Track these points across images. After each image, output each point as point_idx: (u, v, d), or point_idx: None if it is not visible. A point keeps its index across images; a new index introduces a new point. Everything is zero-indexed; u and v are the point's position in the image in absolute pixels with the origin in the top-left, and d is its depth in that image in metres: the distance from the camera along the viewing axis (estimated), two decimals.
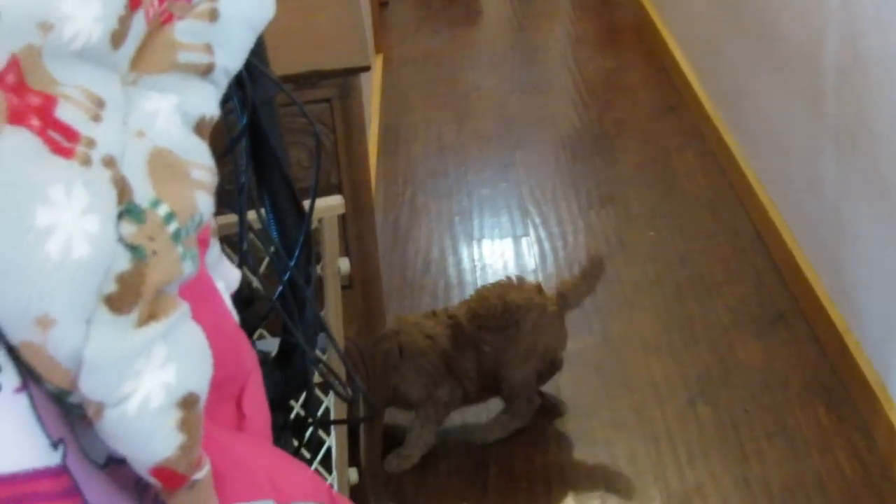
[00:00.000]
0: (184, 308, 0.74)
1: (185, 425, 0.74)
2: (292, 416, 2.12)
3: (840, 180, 2.89)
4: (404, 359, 2.60)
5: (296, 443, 1.86)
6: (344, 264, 1.98)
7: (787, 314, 3.17)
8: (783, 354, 3.01)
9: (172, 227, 0.74)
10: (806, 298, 3.14)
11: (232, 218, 1.53)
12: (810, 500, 2.53)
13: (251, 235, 1.60)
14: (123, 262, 0.69)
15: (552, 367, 2.85)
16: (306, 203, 1.64)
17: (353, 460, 2.51)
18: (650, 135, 4.32)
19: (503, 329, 2.70)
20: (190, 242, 0.76)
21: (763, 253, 3.46)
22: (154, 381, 0.72)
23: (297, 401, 2.15)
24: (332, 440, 2.31)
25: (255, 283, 1.81)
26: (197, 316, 0.76)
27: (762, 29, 3.51)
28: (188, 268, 0.75)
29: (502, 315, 2.70)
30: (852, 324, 2.86)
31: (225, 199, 1.19)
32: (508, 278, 2.85)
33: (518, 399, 2.77)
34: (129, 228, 0.70)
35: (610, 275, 3.34)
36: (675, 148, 4.19)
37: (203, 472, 0.78)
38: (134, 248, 0.70)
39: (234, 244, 1.53)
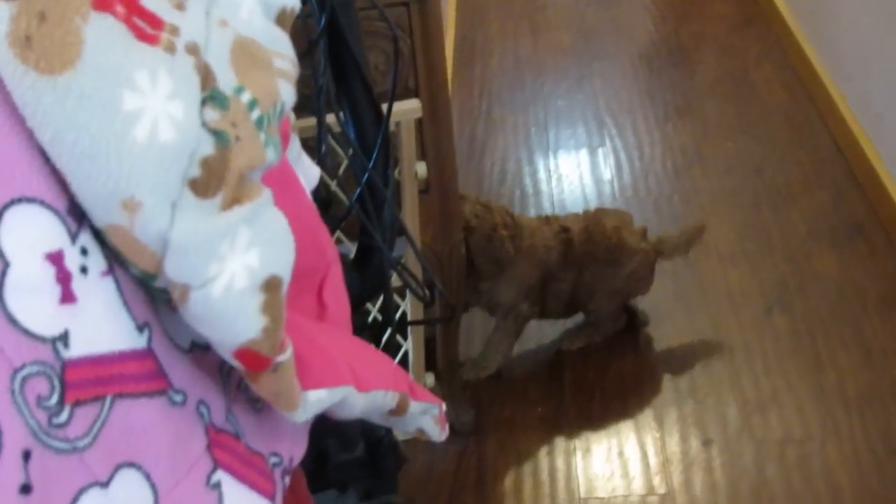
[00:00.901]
0: (267, 194, 0.75)
1: (269, 308, 0.75)
2: (369, 319, 2.14)
3: None
4: (516, 261, 2.59)
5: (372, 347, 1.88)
6: (421, 168, 1.99)
7: (865, 225, 3.15)
8: (860, 265, 2.99)
9: (255, 114, 0.75)
10: (885, 210, 3.11)
11: (310, 121, 1.54)
12: (886, 409, 2.53)
13: (329, 139, 1.60)
14: (208, 146, 0.70)
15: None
16: (384, 107, 1.65)
17: (430, 365, 2.53)
18: (728, 47, 4.28)
19: (608, 264, 2.70)
20: (272, 130, 0.77)
21: (841, 165, 3.43)
22: (238, 263, 0.73)
23: (373, 305, 2.17)
24: (409, 344, 2.33)
25: (333, 186, 1.83)
26: (279, 204, 0.77)
27: None
28: (270, 155, 0.76)
29: (613, 250, 2.70)
30: None
31: (303, 103, 1.20)
32: (619, 211, 2.83)
33: (604, 322, 2.79)
34: (212, 114, 0.71)
35: (687, 186, 3.34)
36: (754, 61, 4.16)
37: (286, 356, 0.79)
38: (217, 134, 0.71)
39: (312, 148, 1.54)
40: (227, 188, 0.71)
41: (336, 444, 1.84)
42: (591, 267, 2.69)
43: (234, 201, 0.72)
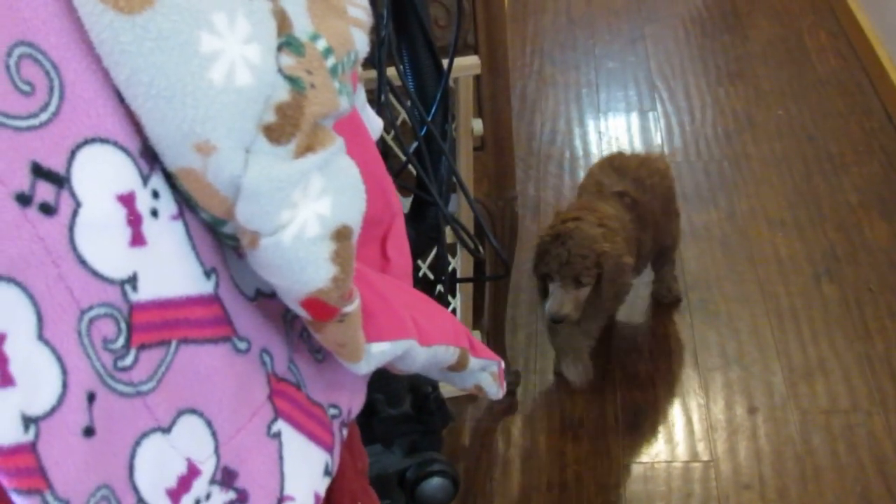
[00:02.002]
0: (339, 142, 0.74)
1: (339, 257, 0.74)
2: (420, 274, 2.14)
3: None
4: (606, 278, 2.46)
5: None
6: (477, 125, 1.98)
7: None
8: None
9: (330, 61, 0.74)
10: None
11: (370, 73, 1.54)
12: None
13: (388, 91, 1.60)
14: (283, 92, 0.70)
15: None
16: (444, 62, 1.64)
17: (477, 323, 2.53)
18: (782, 13, 4.24)
19: (666, 203, 2.70)
20: (345, 79, 0.76)
21: (893, 134, 3.41)
22: (310, 211, 0.72)
23: (424, 261, 2.17)
24: (458, 302, 2.33)
25: (390, 139, 1.82)
26: (349, 152, 0.76)
27: None
28: (344, 103, 0.75)
29: (666, 190, 2.70)
30: None
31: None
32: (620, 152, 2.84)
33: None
34: (288, 60, 0.70)
35: (737, 151, 3.32)
36: (807, 27, 4.12)
37: (353, 306, 0.79)
38: (293, 80, 0.70)
39: (371, 101, 1.54)
40: (301, 135, 0.71)
41: (382, 399, 1.85)
42: (658, 211, 2.67)
43: (307, 148, 0.71)
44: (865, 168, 3.26)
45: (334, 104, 0.74)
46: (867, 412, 2.45)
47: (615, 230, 2.47)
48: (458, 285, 2.33)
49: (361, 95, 1.05)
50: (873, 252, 2.92)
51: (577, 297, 2.45)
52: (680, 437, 2.43)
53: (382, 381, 1.83)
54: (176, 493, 0.72)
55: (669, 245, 2.77)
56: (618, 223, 2.51)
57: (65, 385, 0.62)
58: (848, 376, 2.55)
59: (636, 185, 2.64)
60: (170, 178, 0.70)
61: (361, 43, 0.82)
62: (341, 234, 0.74)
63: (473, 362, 1.03)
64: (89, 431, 0.64)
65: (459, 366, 1.00)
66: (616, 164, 2.71)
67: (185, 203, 0.72)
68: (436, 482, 1.91)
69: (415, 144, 1.59)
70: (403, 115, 1.79)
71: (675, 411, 2.50)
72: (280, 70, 0.70)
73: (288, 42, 0.71)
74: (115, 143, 0.66)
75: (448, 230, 1.84)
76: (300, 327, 0.86)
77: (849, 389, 2.51)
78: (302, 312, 0.77)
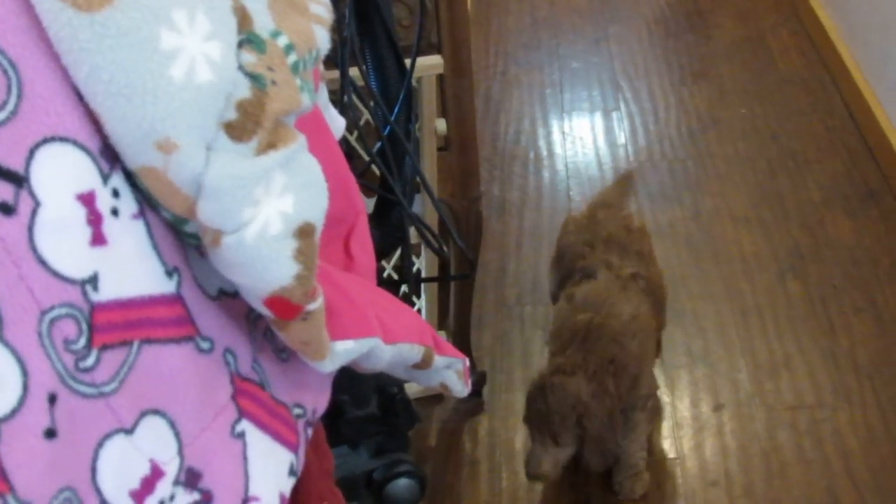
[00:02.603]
0: (301, 139, 0.74)
1: (302, 255, 0.74)
2: (385, 275, 2.13)
3: None
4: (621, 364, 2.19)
5: None
6: (441, 125, 1.98)
7: (878, 193, 3.14)
8: (873, 232, 2.99)
9: (292, 58, 0.74)
10: None
11: (333, 74, 1.53)
12: None
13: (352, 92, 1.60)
14: (244, 89, 0.69)
15: None
16: (407, 61, 1.64)
17: (442, 324, 2.53)
18: (745, 13, 4.26)
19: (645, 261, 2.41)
20: (307, 76, 0.76)
21: (855, 132, 3.42)
22: (272, 209, 0.72)
23: (388, 261, 2.16)
24: (423, 302, 2.33)
25: (353, 139, 1.82)
26: (312, 150, 0.76)
27: None
28: (306, 100, 0.75)
29: (651, 250, 2.46)
30: None
31: (327, 55, 1.19)
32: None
33: None
34: (249, 57, 0.70)
35: (701, 150, 3.33)
36: (770, 26, 4.14)
37: (317, 304, 0.79)
38: (254, 77, 0.70)
39: (334, 102, 1.53)
40: (263, 132, 0.71)
41: (349, 400, 1.84)
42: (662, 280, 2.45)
43: (269, 146, 0.71)
44: (828, 166, 3.28)
45: (296, 101, 0.74)
46: (832, 407, 2.46)
47: (608, 377, 2.15)
48: (423, 286, 2.33)
49: (324, 95, 1.05)
50: (837, 249, 2.93)
51: (556, 456, 2.18)
52: None
53: (348, 382, 1.82)
54: (140, 495, 0.72)
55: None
56: (625, 352, 2.18)
57: (26, 387, 0.62)
58: (813, 372, 2.56)
59: (639, 259, 2.37)
60: (130, 177, 0.70)
61: (323, 40, 0.82)
62: (304, 232, 0.74)
63: (438, 360, 1.03)
64: (51, 433, 0.64)
65: (424, 364, 1.00)
66: (602, 232, 2.39)
67: (147, 202, 0.72)
68: (403, 483, 1.91)
69: (378, 144, 1.58)
70: (367, 115, 1.79)
71: None
72: (241, 67, 0.70)
73: (249, 39, 0.71)
74: (75, 142, 0.66)
75: (412, 230, 1.84)
76: (264, 326, 0.86)
77: (814, 385, 2.52)
78: (265, 311, 0.77)
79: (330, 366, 0.85)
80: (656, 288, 2.37)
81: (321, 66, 0.86)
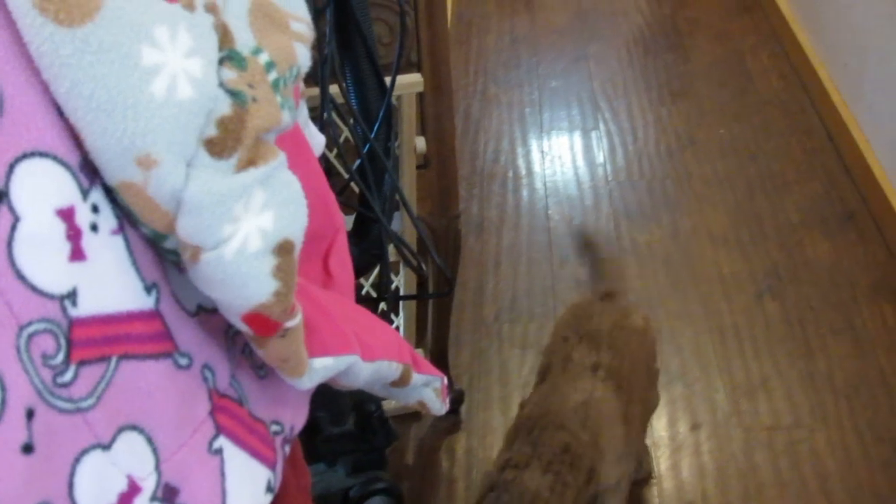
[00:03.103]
0: (282, 156, 0.74)
1: (281, 272, 0.74)
2: (363, 293, 2.13)
3: None
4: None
5: None
6: (420, 143, 1.98)
7: (856, 214, 3.15)
8: (851, 254, 3.00)
9: (272, 75, 0.74)
10: (876, 199, 3.12)
11: (313, 91, 1.54)
12: (874, 397, 2.53)
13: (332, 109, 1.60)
14: (224, 106, 0.69)
15: None
16: (387, 80, 1.64)
17: (420, 342, 2.53)
18: (724, 34, 4.28)
19: (649, 363, 2.24)
20: (288, 93, 0.76)
21: (834, 154, 3.44)
22: (252, 225, 0.72)
23: (366, 279, 2.16)
24: (401, 320, 2.33)
25: (332, 157, 1.82)
26: (292, 167, 0.76)
27: None
28: (286, 117, 0.75)
29: (647, 355, 2.24)
30: None
31: (307, 72, 1.19)
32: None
33: None
34: (230, 74, 0.70)
35: (680, 170, 3.34)
36: (749, 48, 4.16)
37: (296, 321, 0.79)
38: (235, 94, 0.70)
39: (314, 119, 1.53)
40: (243, 149, 0.71)
41: (326, 417, 1.84)
42: (642, 376, 2.19)
43: (249, 162, 0.71)
44: (807, 187, 3.29)
45: (276, 118, 0.74)
46: (809, 428, 2.47)
47: (564, 468, 1.87)
48: (401, 304, 2.33)
49: (304, 111, 1.05)
50: (815, 270, 2.94)
51: None
52: None
53: (326, 399, 1.82)
54: None
55: (652, 409, 2.32)
56: (576, 441, 1.92)
57: (3, 401, 0.62)
58: (790, 393, 2.56)
59: (612, 353, 2.09)
60: (110, 193, 0.70)
61: (304, 58, 0.82)
62: (283, 249, 0.74)
63: (417, 378, 1.03)
64: (28, 448, 0.64)
65: (403, 381, 1.01)
66: (585, 327, 2.15)
67: (126, 217, 0.72)
68: (379, 501, 1.91)
69: (358, 162, 1.58)
70: (346, 132, 1.79)
71: None
72: (222, 84, 0.70)
73: (230, 56, 0.71)
74: (55, 157, 0.66)
75: (391, 248, 1.84)
76: (242, 343, 0.86)
77: (791, 406, 2.53)
78: (244, 328, 0.77)
79: (308, 383, 0.85)
80: (623, 376, 2.08)
81: (301, 84, 0.87)
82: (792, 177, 3.34)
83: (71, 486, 0.68)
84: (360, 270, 1.82)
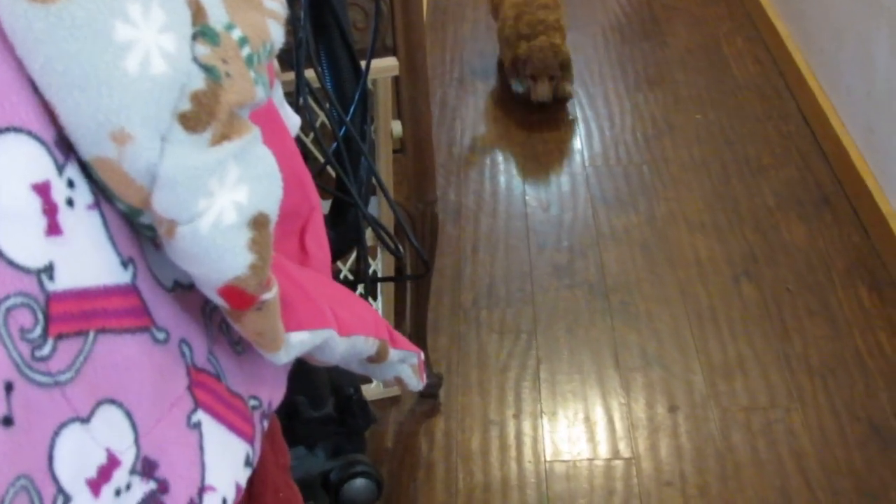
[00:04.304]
0: (256, 131, 0.75)
1: (256, 245, 0.75)
2: (341, 277, 2.14)
3: (893, 64, 2.87)
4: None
5: None
6: (396, 127, 1.99)
7: (831, 197, 3.17)
8: (827, 237, 3.01)
9: (246, 51, 0.75)
10: (851, 182, 3.13)
11: (289, 76, 1.54)
12: (850, 378, 2.55)
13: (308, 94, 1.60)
14: (198, 81, 0.70)
15: None
16: (362, 64, 1.65)
17: (399, 327, 2.54)
18: (700, 20, 4.29)
19: None
20: (261, 69, 0.77)
21: (809, 138, 3.45)
22: (226, 199, 0.72)
23: (343, 263, 2.17)
24: (379, 304, 2.34)
25: (308, 141, 1.82)
26: (266, 143, 0.77)
27: None
28: (260, 93, 0.76)
29: None
30: None
31: (282, 57, 1.19)
32: None
33: None
34: (203, 49, 0.71)
35: (656, 155, 3.36)
36: (725, 34, 4.17)
37: (272, 294, 0.79)
38: (208, 69, 0.71)
39: (290, 104, 1.54)
40: (217, 124, 0.71)
41: (305, 401, 1.85)
42: None
43: (223, 137, 0.72)
44: (783, 171, 3.30)
45: (250, 93, 0.74)
46: (786, 408, 2.48)
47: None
48: (379, 288, 2.34)
49: (279, 92, 1.06)
50: (791, 253, 2.96)
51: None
52: (602, 435, 2.45)
53: (305, 382, 1.83)
54: (96, 484, 0.72)
55: None
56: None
57: None
58: (766, 374, 2.58)
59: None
60: (86, 168, 0.70)
61: (277, 34, 0.83)
62: (258, 222, 0.75)
63: (393, 353, 1.04)
64: (7, 421, 0.64)
65: (379, 357, 1.01)
66: None
67: (102, 193, 0.72)
68: (359, 484, 1.91)
69: (334, 145, 1.59)
70: (322, 117, 1.80)
71: (597, 411, 2.52)
72: (195, 59, 0.71)
73: (203, 31, 0.72)
74: (30, 133, 0.66)
75: (368, 232, 1.85)
76: (219, 319, 0.86)
77: (767, 387, 2.54)
78: (220, 301, 0.78)
79: (284, 357, 0.86)
80: None
81: (275, 62, 0.87)
82: (768, 161, 3.35)
83: (51, 459, 0.68)
84: (338, 254, 1.83)
